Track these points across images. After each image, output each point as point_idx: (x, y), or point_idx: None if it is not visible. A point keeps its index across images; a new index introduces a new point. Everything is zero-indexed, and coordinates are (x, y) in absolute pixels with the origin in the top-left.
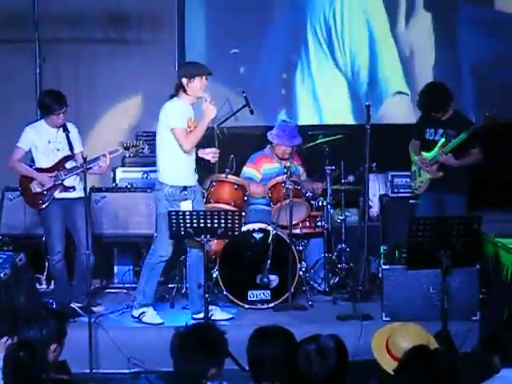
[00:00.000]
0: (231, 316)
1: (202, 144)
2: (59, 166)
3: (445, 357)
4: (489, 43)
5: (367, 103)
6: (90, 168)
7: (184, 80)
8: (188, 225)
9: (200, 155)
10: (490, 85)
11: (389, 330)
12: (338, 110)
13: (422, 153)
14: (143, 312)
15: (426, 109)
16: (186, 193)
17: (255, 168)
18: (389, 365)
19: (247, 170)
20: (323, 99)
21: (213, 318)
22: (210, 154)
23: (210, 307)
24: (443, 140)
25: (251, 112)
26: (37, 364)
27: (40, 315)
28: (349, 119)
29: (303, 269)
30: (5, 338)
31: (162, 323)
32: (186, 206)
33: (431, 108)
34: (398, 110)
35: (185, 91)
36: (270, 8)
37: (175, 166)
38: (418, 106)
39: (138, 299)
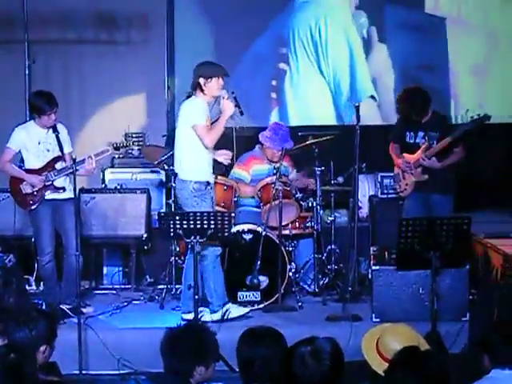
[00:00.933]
0: (248, 309)
1: (218, 145)
2: (49, 166)
3: (436, 358)
4: (418, 45)
5: (357, 103)
6: (77, 170)
7: (201, 80)
8: (178, 226)
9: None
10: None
11: (379, 331)
12: (323, 116)
13: (405, 155)
14: (226, 310)
15: (406, 114)
16: (210, 188)
17: (245, 169)
18: (379, 366)
19: (237, 170)
20: (309, 103)
21: (230, 316)
22: (223, 156)
23: (226, 306)
24: (426, 143)
25: (241, 113)
26: (26, 366)
27: (30, 316)
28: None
29: (293, 270)
30: None
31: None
32: None
33: (411, 113)
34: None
35: (202, 91)
36: (261, 16)
37: (198, 162)
38: (398, 111)
39: (212, 303)
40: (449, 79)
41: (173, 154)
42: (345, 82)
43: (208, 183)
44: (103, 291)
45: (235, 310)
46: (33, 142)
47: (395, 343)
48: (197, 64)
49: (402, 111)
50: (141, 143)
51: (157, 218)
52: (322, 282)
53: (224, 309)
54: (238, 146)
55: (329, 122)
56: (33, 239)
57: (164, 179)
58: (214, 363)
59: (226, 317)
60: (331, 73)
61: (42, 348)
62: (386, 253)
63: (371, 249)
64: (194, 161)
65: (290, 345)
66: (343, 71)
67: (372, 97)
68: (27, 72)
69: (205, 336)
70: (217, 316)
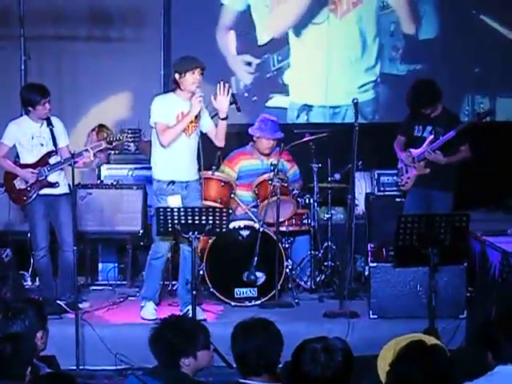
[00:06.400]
0: (155, 317)
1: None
2: (42, 161)
3: (442, 352)
4: None
5: (355, 99)
6: (76, 162)
7: (176, 75)
8: (176, 221)
9: (221, 110)
10: None
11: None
12: None
13: (410, 149)
14: (143, 305)
15: (414, 105)
16: (173, 187)
17: (229, 166)
18: None
19: (222, 167)
20: None
21: (141, 314)
22: (224, 95)
23: (145, 302)
24: (432, 137)
25: (238, 109)
26: (20, 356)
27: (17, 308)
28: None
29: (289, 266)
30: None
31: (154, 319)
32: (173, 200)
33: (419, 104)
34: None
35: (179, 86)
36: None
37: (161, 159)
38: (407, 102)
39: (142, 292)
40: None
41: None
42: None
43: (172, 182)
44: (99, 287)
45: (146, 311)
46: (26, 137)
47: None
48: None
49: (409, 101)
50: (137, 139)
51: (154, 213)
52: (318, 279)
53: (143, 303)
54: (230, 143)
55: None
56: (28, 235)
57: None
58: (208, 351)
59: (141, 310)
60: None
61: (39, 334)
62: (384, 250)
63: (369, 245)
64: (157, 159)
65: (286, 341)
66: None
67: None
68: (23, 67)
69: (182, 327)
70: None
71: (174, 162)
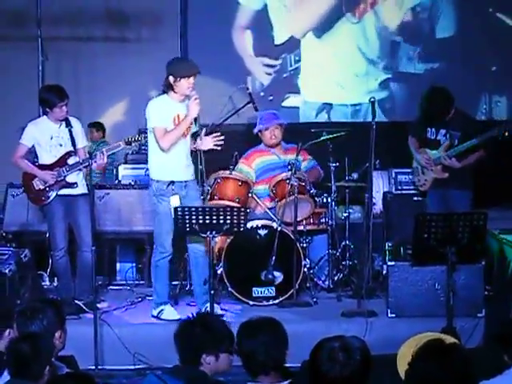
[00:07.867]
0: (179, 317)
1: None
2: (61, 162)
3: (460, 350)
4: None
5: (372, 98)
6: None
7: (171, 78)
8: (194, 221)
9: (199, 148)
10: None
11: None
12: None
13: (426, 150)
14: (161, 310)
15: (427, 113)
16: (173, 187)
17: (247, 164)
18: None
19: (239, 165)
20: None
21: (162, 317)
22: (211, 143)
23: (162, 306)
24: (448, 142)
25: (255, 109)
26: (39, 356)
27: (35, 308)
28: None
29: (307, 265)
30: (7, 331)
31: (179, 319)
32: (173, 200)
33: (434, 114)
34: None
35: (172, 89)
36: None
37: (160, 160)
38: (421, 110)
39: (153, 299)
40: None
41: None
42: None
43: (172, 182)
44: (117, 287)
45: (168, 313)
46: (44, 137)
47: None
48: (168, 61)
49: (423, 110)
50: None
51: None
52: (336, 278)
53: (159, 308)
54: (246, 143)
55: None
56: (47, 235)
57: None
58: (230, 355)
59: (158, 316)
60: None
61: (57, 334)
62: (402, 248)
63: (386, 244)
64: (156, 160)
65: (304, 340)
66: None
67: None
68: (40, 68)
69: (211, 325)
70: (154, 313)
71: (172, 163)
